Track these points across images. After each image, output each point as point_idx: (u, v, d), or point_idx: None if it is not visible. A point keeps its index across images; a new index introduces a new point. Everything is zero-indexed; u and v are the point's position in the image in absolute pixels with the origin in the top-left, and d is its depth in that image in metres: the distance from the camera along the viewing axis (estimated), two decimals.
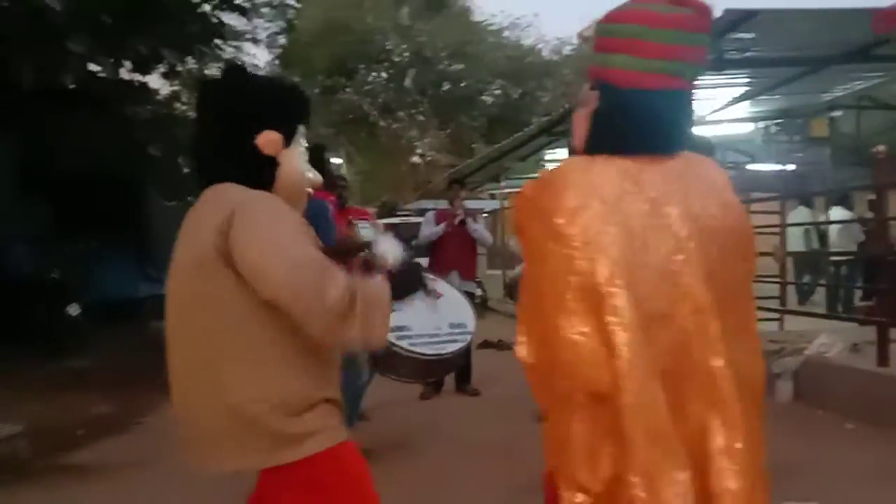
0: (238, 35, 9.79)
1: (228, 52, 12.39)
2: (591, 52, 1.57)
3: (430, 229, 6.19)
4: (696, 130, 3.25)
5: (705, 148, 3.21)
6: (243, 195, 1.53)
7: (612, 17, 1.52)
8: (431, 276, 4.32)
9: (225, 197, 1.54)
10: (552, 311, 1.41)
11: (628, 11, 1.51)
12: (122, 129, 7.42)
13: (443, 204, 7.40)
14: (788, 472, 3.69)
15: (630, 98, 1.51)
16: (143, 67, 8.22)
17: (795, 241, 8.70)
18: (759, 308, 6.74)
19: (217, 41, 8.74)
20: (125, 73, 8.14)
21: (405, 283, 1.65)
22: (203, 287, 1.49)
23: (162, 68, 9.02)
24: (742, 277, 1.52)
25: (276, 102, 1.67)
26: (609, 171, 1.47)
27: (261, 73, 18.73)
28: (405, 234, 9.91)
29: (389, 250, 1.62)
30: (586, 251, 1.39)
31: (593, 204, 1.41)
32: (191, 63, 10.06)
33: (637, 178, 1.45)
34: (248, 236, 1.45)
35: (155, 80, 9.51)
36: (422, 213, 12.29)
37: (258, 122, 1.61)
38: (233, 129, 1.61)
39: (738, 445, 1.39)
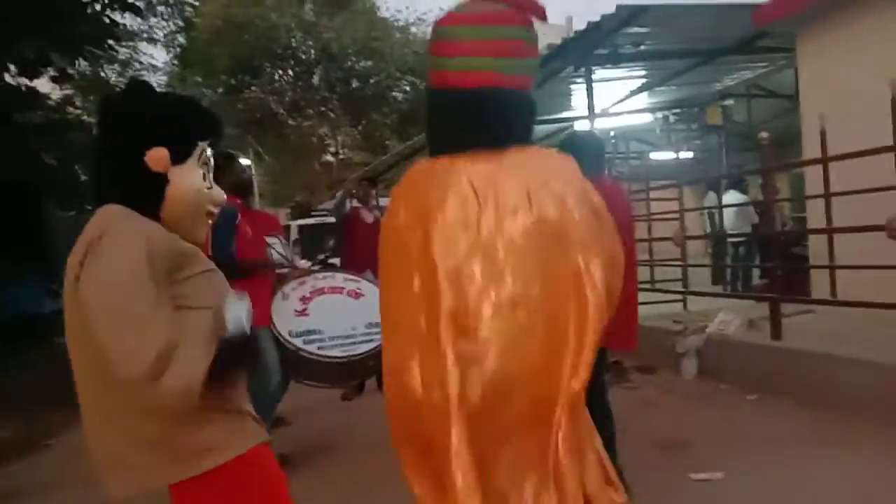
0: (133, 35, 9.39)
1: (123, 53, 11.91)
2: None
3: (339, 200, 6.22)
4: (595, 123, 3.40)
5: (587, 143, 3.31)
6: (104, 225, 1.47)
7: (435, 22, 1.56)
8: (352, 277, 4.31)
9: (93, 224, 1.51)
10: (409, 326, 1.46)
11: (447, 14, 1.54)
12: (12, 136, 7.01)
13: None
14: (695, 445, 3.90)
15: (438, 98, 1.55)
16: (31, 71, 7.79)
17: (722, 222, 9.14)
18: (663, 290, 7.10)
19: (110, 42, 8.37)
20: (10, 79, 7.70)
21: (235, 356, 1.50)
22: (76, 315, 1.47)
23: (51, 72, 8.58)
24: (566, 274, 1.40)
25: (169, 118, 1.63)
26: (431, 172, 1.50)
27: (159, 73, 18.03)
28: (323, 234, 9.79)
29: (234, 318, 1.49)
30: (406, 264, 1.44)
31: (411, 212, 1.46)
32: (83, 65, 9.61)
33: (449, 180, 1.45)
34: (92, 269, 1.43)
35: (44, 85, 9.03)
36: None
37: (148, 138, 1.57)
38: (121, 144, 1.58)
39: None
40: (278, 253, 4.05)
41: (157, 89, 1.77)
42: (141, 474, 1.50)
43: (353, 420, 4.75)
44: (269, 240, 3.99)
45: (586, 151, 3.04)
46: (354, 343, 3.84)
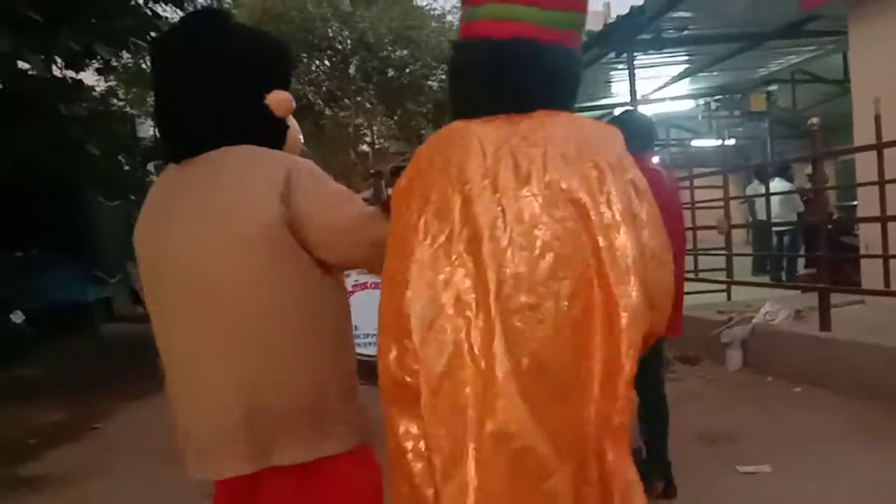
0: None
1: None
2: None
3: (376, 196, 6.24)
4: (639, 109, 3.31)
5: (642, 124, 3.21)
6: (282, 157, 1.42)
7: None
8: None
9: (261, 160, 1.40)
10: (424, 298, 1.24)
11: None
12: (58, 128, 7.16)
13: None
14: (741, 438, 3.82)
15: (464, 51, 1.36)
16: (76, 64, 7.94)
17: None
18: (708, 280, 6.97)
19: (153, 34, 8.49)
20: (57, 71, 7.85)
21: None
22: (262, 262, 1.34)
23: (96, 64, 8.73)
24: (598, 248, 1.24)
25: (280, 59, 1.56)
26: (455, 141, 1.30)
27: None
28: None
29: None
30: (441, 245, 1.23)
31: (433, 198, 1.26)
32: (126, 58, 9.75)
33: (483, 147, 1.27)
34: (319, 200, 1.38)
35: (89, 77, 9.20)
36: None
37: (268, 81, 1.49)
38: (244, 86, 1.46)
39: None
40: None
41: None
42: (279, 447, 1.38)
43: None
44: None
45: (638, 131, 2.96)
46: None
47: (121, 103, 12.65)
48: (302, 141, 1.63)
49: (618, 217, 1.25)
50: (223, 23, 1.52)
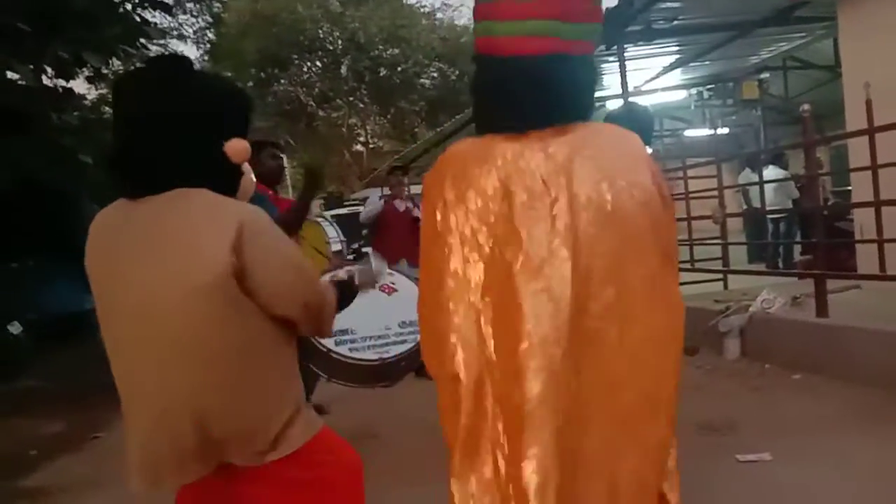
0: (164, 33, 9.49)
1: (154, 50, 12.04)
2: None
3: (370, 208, 6.22)
4: (632, 99, 3.30)
5: (643, 116, 3.21)
6: (235, 208, 1.48)
7: None
8: (389, 270, 4.26)
9: (216, 208, 1.46)
10: (434, 312, 1.36)
11: None
12: (50, 137, 7.15)
13: (374, 191, 7.41)
14: (740, 427, 3.82)
15: (493, 67, 1.37)
16: (66, 73, 7.92)
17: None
18: (704, 270, 6.98)
19: (142, 40, 8.47)
20: (47, 80, 7.83)
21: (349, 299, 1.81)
22: (211, 308, 1.42)
23: (86, 72, 8.71)
24: (647, 272, 1.30)
25: (240, 108, 1.62)
26: (488, 155, 1.33)
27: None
28: (356, 224, 9.83)
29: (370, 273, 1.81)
30: (460, 251, 1.31)
31: (470, 196, 1.30)
32: (116, 65, 9.73)
33: (517, 165, 1.30)
34: (267, 255, 1.46)
35: (80, 86, 9.19)
36: (364, 200, 12.18)
37: (226, 128, 1.55)
38: (204, 132, 1.52)
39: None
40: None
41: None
42: (236, 458, 1.50)
43: (394, 407, 4.76)
44: (323, 221, 3.96)
45: (638, 124, 2.97)
46: (387, 344, 3.74)
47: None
48: (254, 187, 1.71)
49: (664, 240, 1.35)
50: (188, 68, 1.59)
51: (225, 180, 1.55)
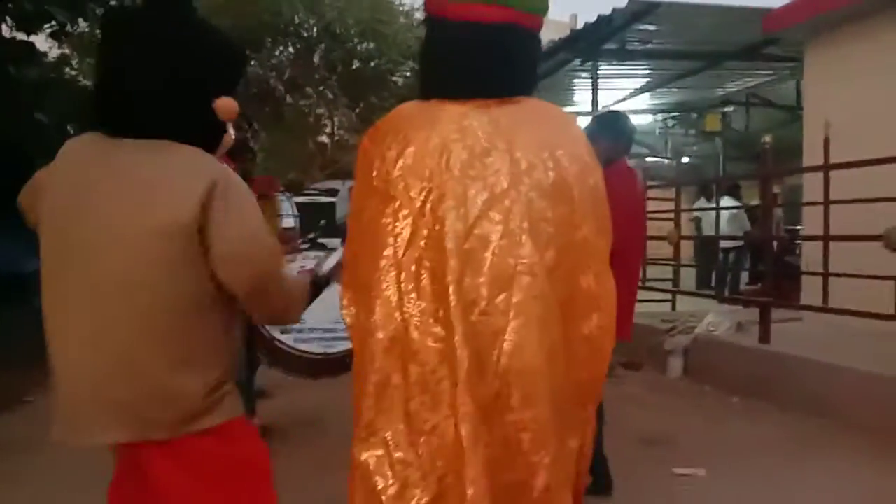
0: None
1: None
2: None
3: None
4: (616, 117, 3.32)
5: (627, 125, 3.24)
6: (214, 166, 1.44)
7: None
8: None
9: (193, 162, 1.43)
10: (365, 272, 1.33)
11: None
12: (6, 91, 6.88)
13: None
14: (678, 442, 3.90)
15: (438, 31, 1.38)
16: (29, 26, 7.64)
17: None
18: (653, 289, 7.11)
19: (113, 2, 8.24)
20: (6, 31, 7.54)
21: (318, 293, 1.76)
22: (166, 254, 1.38)
23: (49, 29, 8.41)
24: (578, 243, 1.32)
25: (236, 64, 1.58)
26: (434, 117, 1.32)
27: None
28: (316, 213, 9.72)
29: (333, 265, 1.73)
30: (392, 206, 1.29)
31: (408, 153, 1.29)
32: (82, 25, 9.44)
33: (460, 124, 1.30)
34: (231, 217, 1.41)
35: (41, 42, 8.86)
36: (330, 192, 12.04)
37: (221, 85, 1.51)
38: (199, 83, 1.47)
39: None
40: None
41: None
42: (146, 426, 1.43)
43: (337, 396, 4.71)
44: (278, 196, 3.85)
45: (623, 130, 3.05)
46: (335, 339, 3.65)
47: (74, 72, 12.23)
48: (228, 147, 1.66)
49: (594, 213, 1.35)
50: (192, 14, 1.53)
51: (208, 135, 1.51)
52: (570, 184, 1.31)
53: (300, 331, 3.58)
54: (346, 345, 3.59)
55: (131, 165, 1.43)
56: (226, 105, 1.49)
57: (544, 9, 1.39)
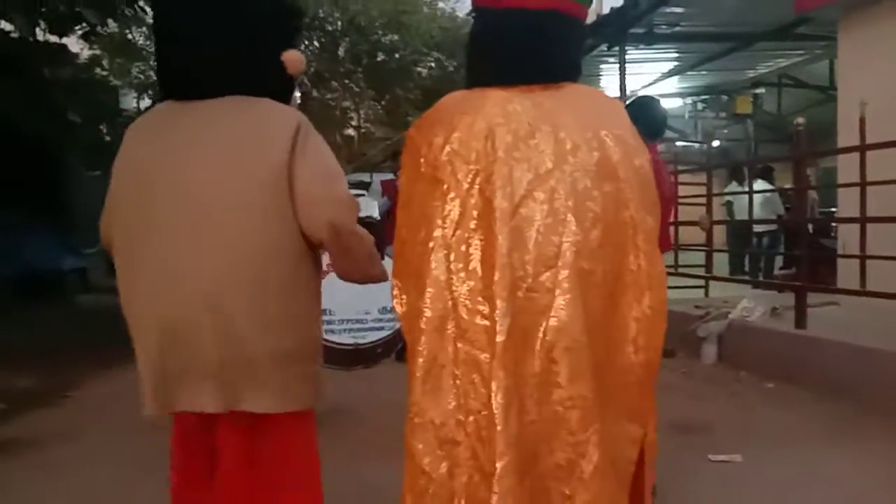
0: None
1: (153, 15, 11.91)
2: None
3: (381, 201, 6.16)
4: (648, 102, 3.30)
5: (658, 109, 3.22)
6: (295, 115, 1.47)
7: None
8: None
9: (275, 109, 1.46)
10: (415, 257, 1.34)
11: None
12: (41, 92, 7.02)
13: (381, 176, 7.33)
14: (713, 429, 3.87)
15: (485, 19, 1.40)
16: (61, 28, 7.78)
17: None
18: (686, 275, 7.03)
19: (141, 4, 8.35)
20: (40, 34, 7.69)
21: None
22: (266, 202, 1.39)
23: (80, 30, 8.56)
24: (624, 223, 1.33)
25: (298, 20, 1.61)
26: (478, 103, 1.34)
27: None
28: None
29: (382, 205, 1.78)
30: (443, 191, 1.31)
31: (454, 138, 1.31)
32: (112, 26, 9.58)
33: (504, 108, 1.33)
34: (310, 158, 1.44)
35: (73, 44, 9.03)
36: (359, 185, 12.09)
37: (286, 38, 1.53)
38: (268, 39, 1.50)
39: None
40: None
41: None
42: (271, 394, 1.42)
43: (371, 387, 4.76)
44: None
45: (655, 116, 3.03)
46: (363, 329, 3.68)
47: (104, 73, 12.43)
48: (298, 102, 1.69)
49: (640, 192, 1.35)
50: None
51: (280, 90, 1.53)
52: (615, 164, 1.32)
53: (330, 322, 3.61)
54: (377, 335, 3.63)
55: (217, 122, 1.43)
56: (294, 57, 1.51)
57: None
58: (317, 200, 1.44)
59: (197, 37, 1.46)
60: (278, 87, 1.52)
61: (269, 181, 1.39)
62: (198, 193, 1.39)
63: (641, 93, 10.57)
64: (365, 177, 12.67)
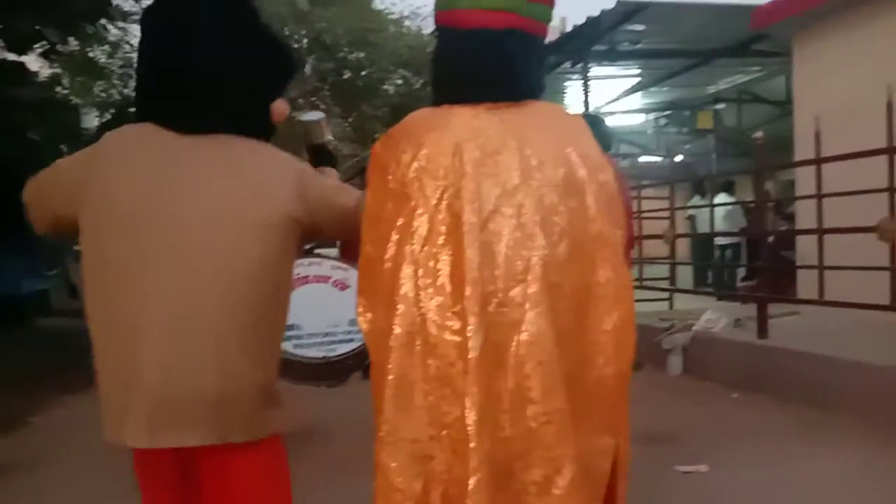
0: (125, 15, 9.26)
1: (114, 34, 11.75)
2: None
3: None
4: (595, 119, 3.38)
5: (603, 127, 3.30)
6: (291, 158, 1.51)
7: None
8: (341, 264, 4.18)
9: (277, 156, 1.48)
10: (381, 274, 1.33)
11: None
12: (0, 112, 6.90)
13: None
14: (679, 439, 3.91)
15: (448, 39, 1.42)
16: (21, 46, 7.66)
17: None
18: (651, 288, 7.13)
19: (103, 21, 8.27)
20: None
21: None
22: (268, 249, 1.41)
23: (39, 49, 8.44)
24: (592, 237, 1.34)
25: (290, 67, 1.61)
26: (445, 120, 1.36)
27: None
28: None
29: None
30: (411, 207, 1.31)
31: (422, 155, 1.32)
32: (73, 44, 9.47)
33: (471, 124, 1.34)
34: (326, 194, 1.51)
35: (32, 62, 8.89)
36: None
37: (282, 87, 1.55)
38: (261, 83, 1.50)
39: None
40: None
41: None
42: (240, 424, 1.41)
43: (341, 405, 4.72)
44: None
45: (603, 133, 3.08)
46: (333, 342, 3.64)
47: (65, 91, 12.25)
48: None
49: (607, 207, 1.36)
50: (255, 11, 1.52)
51: (263, 136, 1.53)
52: (580, 179, 1.33)
53: (298, 337, 3.57)
54: (346, 347, 3.59)
55: (216, 157, 1.43)
56: (281, 108, 1.53)
57: (548, 17, 1.44)
58: (347, 220, 1.51)
59: (198, 71, 1.43)
60: (262, 133, 1.52)
61: (275, 226, 1.42)
62: (203, 237, 1.38)
63: (605, 109, 10.76)
64: None
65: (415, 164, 1.32)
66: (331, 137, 1.91)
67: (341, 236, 1.61)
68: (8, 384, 5.48)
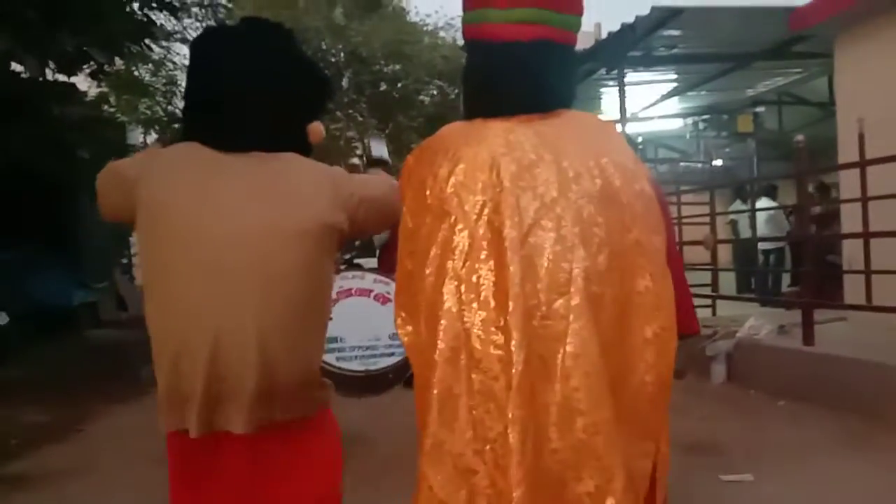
0: (168, 35, 9.51)
1: (158, 52, 12.06)
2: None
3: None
4: (626, 127, 3.34)
5: (631, 140, 3.29)
6: (328, 168, 1.59)
7: None
8: (383, 278, 4.19)
9: (315, 168, 1.56)
10: (423, 288, 1.36)
11: None
12: (50, 130, 7.14)
13: None
14: (724, 448, 3.86)
15: (479, 53, 1.44)
16: (69, 67, 7.93)
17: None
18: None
19: (147, 41, 8.50)
20: (49, 74, 7.84)
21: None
22: (310, 254, 1.48)
23: (88, 69, 8.72)
24: (630, 246, 1.35)
25: (328, 92, 1.71)
26: (480, 134, 1.38)
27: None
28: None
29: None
30: (451, 223, 1.34)
31: (459, 170, 1.34)
32: (118, 63, 9.74)
33: (507, 139, 1.36)
34: (363, 191, 1.55)
35: (81, 82, 9.18)
36: None
37: (319, 110, 1.65)
38: (302, 107, 1.60)
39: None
40: None
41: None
42: (304, 405, 1.53)
43: (383, 413, 4.76)
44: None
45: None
46: (375, 356, 3.67)
47: (111, 109, 12.61)
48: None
49: (646, 214, 1.40)
50: (292, 38, 1.63)
51: (304, 154, 1.62)
52: (616, 189, 1.34)
53: (341, 350, 3.61)
54: (387, 361, 3.62)
55: (260, 172, 1.52)
56: (317, 129, 1.61)
57: (577, 26, 1.45)
58: (390, 210, 1.57)
59: (246, 93, 1.53)
60: (301, 152, 1.61)
61: (316, 235, 1.48)
62: (247, 249, 1.46)
63: (642, 114, 10.67)
64: None
65: (452, 179, 1.34)
66: (386, 153, 2.11)
67: (384, 226, 1.66)
68: (60, 393, 5.65)
